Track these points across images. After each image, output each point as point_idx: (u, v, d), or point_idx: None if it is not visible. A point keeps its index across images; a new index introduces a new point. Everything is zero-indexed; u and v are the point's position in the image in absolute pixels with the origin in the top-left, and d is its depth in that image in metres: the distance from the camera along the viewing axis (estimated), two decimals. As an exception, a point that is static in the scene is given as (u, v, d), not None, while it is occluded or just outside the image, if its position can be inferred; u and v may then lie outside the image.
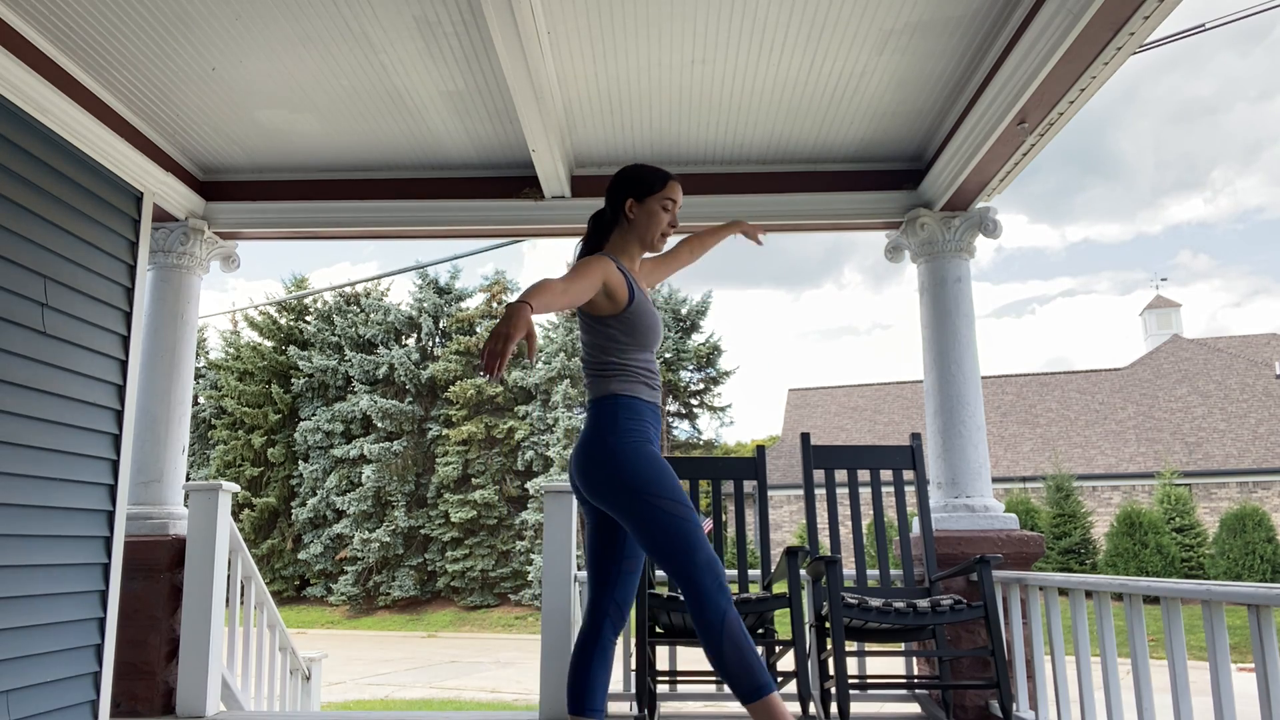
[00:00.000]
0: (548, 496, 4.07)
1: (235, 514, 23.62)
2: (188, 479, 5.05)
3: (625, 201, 2.65)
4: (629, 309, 2.54)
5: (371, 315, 25.76)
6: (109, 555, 3.53)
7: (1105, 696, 2.89)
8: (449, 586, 23.50)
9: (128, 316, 3.70)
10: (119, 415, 3.62)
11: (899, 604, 3.30)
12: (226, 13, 3.24)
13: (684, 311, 25.49)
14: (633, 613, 3.45)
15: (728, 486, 19.60)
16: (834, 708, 3.13)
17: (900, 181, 4.40)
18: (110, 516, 3.55)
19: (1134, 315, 36.18)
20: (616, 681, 4.19)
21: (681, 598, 3.34)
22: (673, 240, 2.87)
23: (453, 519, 23.23)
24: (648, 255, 2.80)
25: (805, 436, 3.98)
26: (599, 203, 4.56)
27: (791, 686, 3.87)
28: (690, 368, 25.17)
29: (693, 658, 4.78)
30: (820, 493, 17.75)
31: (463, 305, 26.01)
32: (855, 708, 3.83)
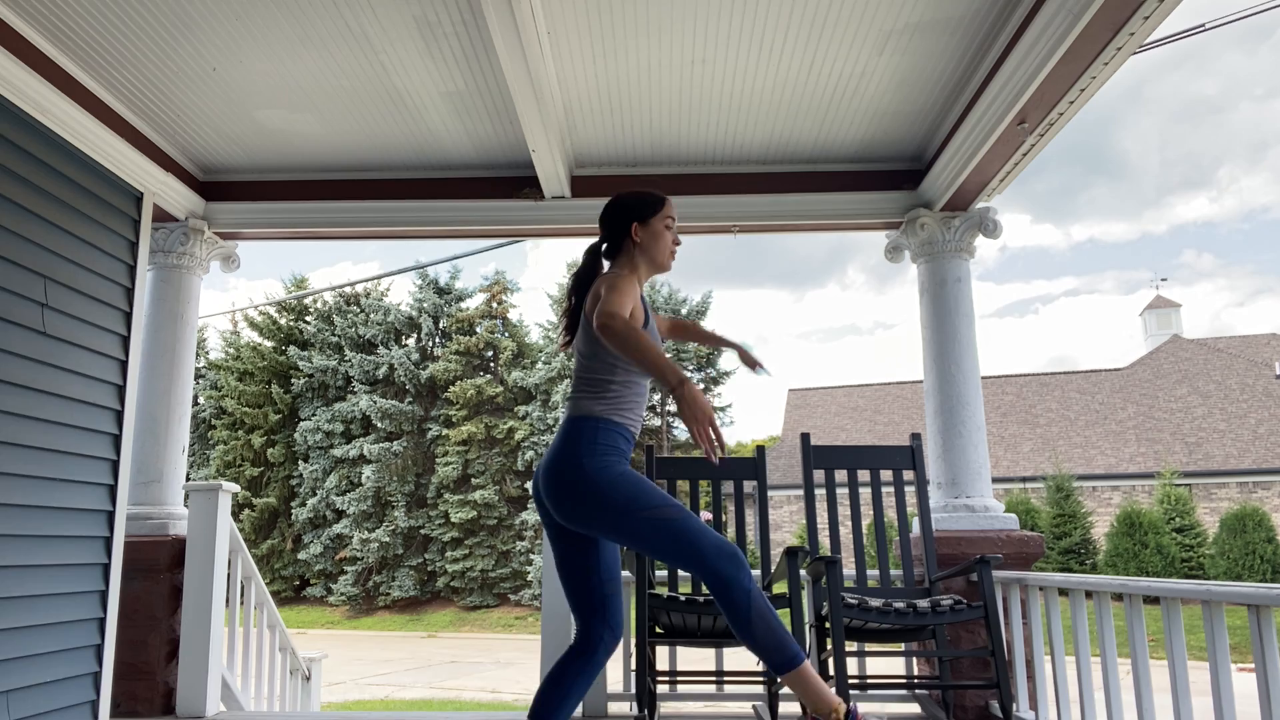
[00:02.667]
0: (548, 496, 4.06)
1: (235, 514, 23.62)
2: (188, 479, 5.06)
3: (630, 226, 2.62)
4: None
5: (371, 315, 25.75)
6: (109, 555, 3.53)
7: (1105, 696, 2.89)
8: (449, 586, 23.50)
9: (128, 316, 3.70)
10: (119, 415, 3.63)
11: (899, 604, 3.29)
12: (227, 13, 3.24)
13: (684, 311, 25.50)
14: (632, 612, 3.45)
15: (728, 486, 19.58)
16: (834, 708, 3.13)
17: (900, 181, 4.40)
18: (110, 516, 3.55)
19: (1137, 315, 36.14)
20: (616, 682, 4.19)
21: (681, 598, 3.35)
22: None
23: (453, 519, 23.23)
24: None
25: (805, 436, 3.98)
26: (599, 202, 4.56)
27: (791, 686, 3.87)
28: (690, 368, 25.17)
29: (693, 658, 4.78)
30: (820, 493, 17.75)
31: (463, 305, 26.01)
32: (855, 708, 3.82)
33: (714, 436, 2.20)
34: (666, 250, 2.65)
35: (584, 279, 2.67)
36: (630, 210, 2.64)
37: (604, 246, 2.70)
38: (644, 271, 2.65)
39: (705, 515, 19.05)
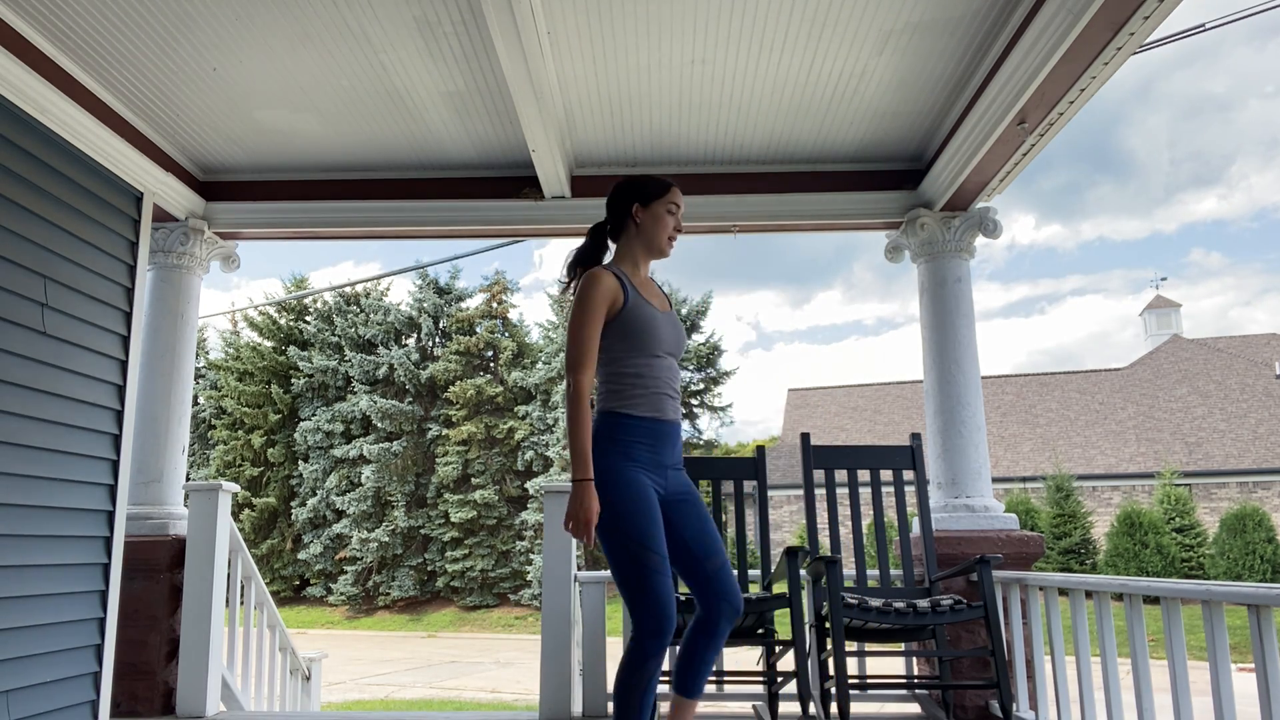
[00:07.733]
0: (548, 496, 4.07)
1: (235, 514, 23.61)
2: (188, 479, 5.05)
3: (631, 207, 2.65)
4: (622, 312, 2.51)
5: (371, 315, 25.74)
6: (109, 555, 3.53)
7: (1105, 696, 2.89)
8: (449, 586, 23.49)
9: (128, 316, 3.70)
10: (119, 415, 3.62)
11: (899, 604, 3.29)
12: (226, 13, 3.24)
13: (684, 312, 25.49)
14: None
15: (728, 487, 19.41)
16: (834, 708, 3.13)
17: (900, 181, 4.40)
18: (110, 516, 3.55)
19: (1138, 315, 36.08)
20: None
21: (681, 598, 3.35)
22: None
23: (453, 519, 23.22)
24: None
25: (805, 436, 3.98)
26: (599, 203, 4.57)
27: (791, 686, 3.87)
28: (690, 368, 25.17)
29: (693, 658, 4.78)
30: (820, 493, 17.62)
31: (463, 305, 25.98)
32: (855, 708, 3.82)
33: (582, 536, 2.34)
34: (664, 235, 2.65)
35: (585, 258, 2.70)
36: (634, 191, 2.66)
37: (608, 227, 2.73)
38: (641, 254, 2.67)
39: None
